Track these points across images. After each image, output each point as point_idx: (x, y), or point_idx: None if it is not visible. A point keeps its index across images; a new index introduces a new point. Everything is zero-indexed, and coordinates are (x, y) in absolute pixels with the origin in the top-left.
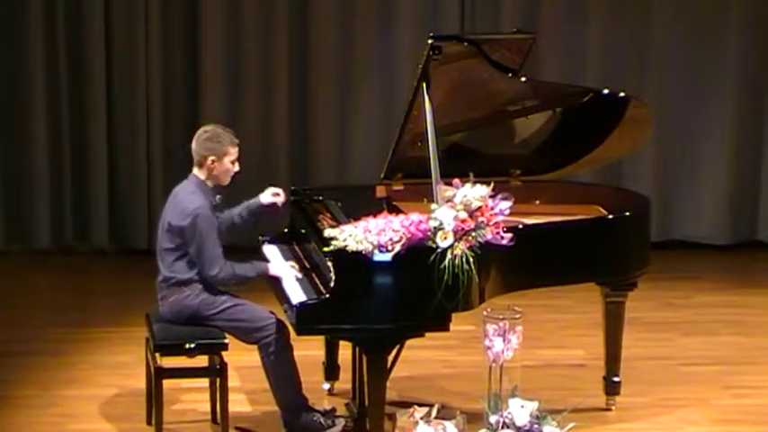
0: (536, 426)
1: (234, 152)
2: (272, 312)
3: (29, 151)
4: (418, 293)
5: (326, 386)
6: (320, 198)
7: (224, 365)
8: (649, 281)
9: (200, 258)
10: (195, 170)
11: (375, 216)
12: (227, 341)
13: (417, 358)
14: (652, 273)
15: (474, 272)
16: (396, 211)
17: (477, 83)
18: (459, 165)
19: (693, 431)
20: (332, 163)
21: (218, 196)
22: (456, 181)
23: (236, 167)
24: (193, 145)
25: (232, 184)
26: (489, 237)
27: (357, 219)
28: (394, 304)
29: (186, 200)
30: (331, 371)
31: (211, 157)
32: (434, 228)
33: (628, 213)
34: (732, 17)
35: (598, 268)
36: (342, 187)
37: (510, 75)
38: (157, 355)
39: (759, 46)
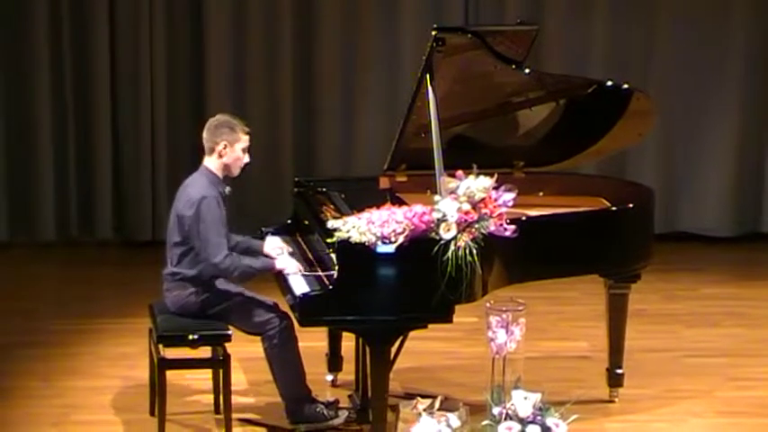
0: (539, 417)
1: (245, 140)
2: (275, 304)
3: (34, 144)
4: (421, 285)
5: (329, 377)
6: (324, 189)
7: (227, 356)
8: (653, 273)
9: (204, 246)
10: (205, 160)
11: (378, 207)
12: (230, 332)
13: (420, 350)
14: (655, 265)
15: (477, 263)
16: (399, 202)
17: (480, 74)
18: (462, 156)
19: (697, 423)
20: (335, 154)
21: (228, 188)
22: (459, 172)
23: (247, 158)
24: (204, 133)
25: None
26: (492, 228)
27: (360, 210)
28: (397, 296)
29: (193, 190)
30: (334, 362)
31: (223, 143)
32: (438, 219)
33: (631, 205)
34: (736, 10)
35: (602, 260)
36: (345, 178)
37: (514, 66)
38: (161, 346)
39: (763, 39)
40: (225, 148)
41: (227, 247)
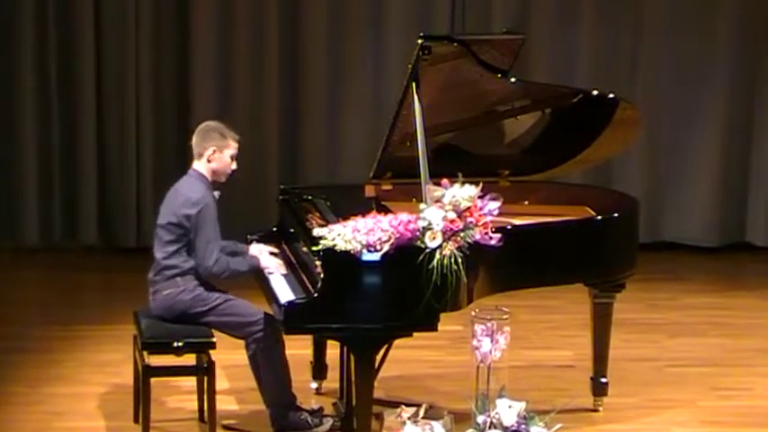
0: (523, 426)
1: (234, 147)
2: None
3: (18, 148)
4: (407, 293)
5: (314, 385)
6: (309, 197)
7: (212, 364)
8: (637, 282)
9: (199, 248)
10: (195, 164)
11: (364, 216)
12: (214, 340)
13: (405, 358)
14: (640, 274)
15: (462, 272)
16: (385, 210)
17: (466, 83)
18: (448, 165)
19: None
20: (321, 162)
21: (217, 192)
22: (445, 181)
23: (234, 165)
24: (194, 138)
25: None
26: (478, 237)
27: (346, 218)
28: (382, 304)
29: (191, 191)
30: (319, 370)
31: (212, 148)
32: (423, 228)
33: (616, 214)
34: (722, 18)
35: (586, 269)
36: (331, 186)
37: (500, 75)
38: (145, 353)
39: (749, 48)
40: (214, 153)
41: (219, 247)
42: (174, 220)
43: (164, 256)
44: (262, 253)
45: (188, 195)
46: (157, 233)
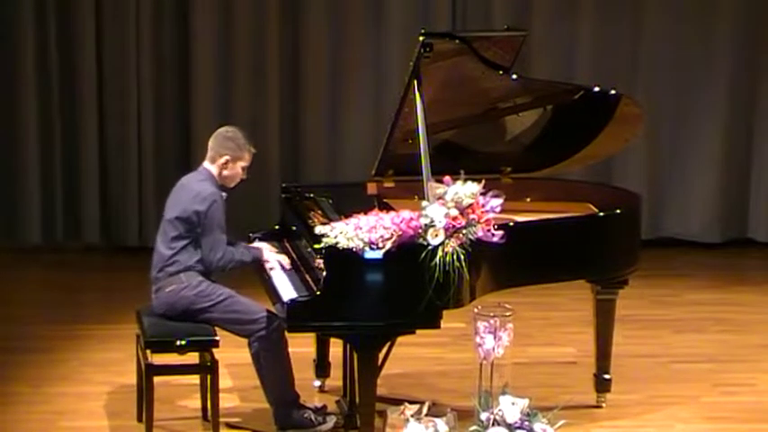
0: (526, 423)
1: (248, 159)
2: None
3: (20, 148)
4: (409, 291)
5: (317, 383)
6: (311, 195)
7: (215, 362)
8: (640, 278)
9: (207, 241)
10: (206, 163)
11: (366, 213)
12: (218, 338)
13: (408, 355)
14: (642, 270)
15: (465, 269)
16: (387, 208)
17: (468, 80)
18: (450, 162)
19: (684, 428)
20: (323, 160)
21: (224, 193)
22: (447, 178)
23: (245, 176)
24: (211, 141)
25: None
26: (480, 234)
27: (348, 216)
28: (385, 301)
29: (199, 186)
30: (322, 368)
31: (226, 157)
32: (425, 225)
33: (619, 211)
34: (723, 15)
35: (589, 266)
36: (333, 184)
37: (501, 72)
38: (148, 351)
39: (749, 44)
40: (226, 163)
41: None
42: (182, 215)
43: (169, 252)
44: (263, 250)
45: (198, 191)
46: (163, 228)
